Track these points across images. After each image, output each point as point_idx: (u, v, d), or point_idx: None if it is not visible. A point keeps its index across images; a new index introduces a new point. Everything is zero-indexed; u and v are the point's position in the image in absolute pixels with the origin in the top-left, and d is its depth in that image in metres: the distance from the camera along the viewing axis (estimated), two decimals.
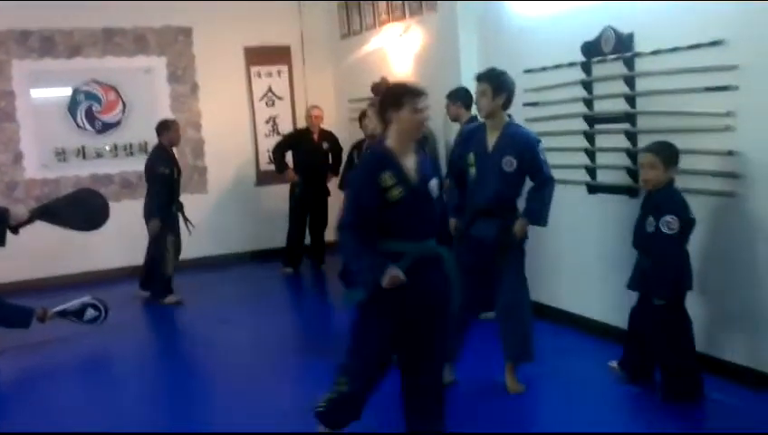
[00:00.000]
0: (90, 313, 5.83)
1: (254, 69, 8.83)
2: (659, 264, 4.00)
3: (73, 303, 5.86)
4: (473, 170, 4.28)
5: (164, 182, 6.90)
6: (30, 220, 2.92)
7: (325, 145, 8.05)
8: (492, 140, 4.25)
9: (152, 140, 8.29)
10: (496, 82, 4.19)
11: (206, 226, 8.05)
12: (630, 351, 4.33)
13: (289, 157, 8.12)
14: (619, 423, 3.96)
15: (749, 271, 4.09)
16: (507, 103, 4.27)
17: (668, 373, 4.07)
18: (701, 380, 4.07)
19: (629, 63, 4.72)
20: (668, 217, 3.90)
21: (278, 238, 8.26)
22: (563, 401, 4.29)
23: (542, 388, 4.45)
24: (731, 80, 4.05)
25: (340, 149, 8.05)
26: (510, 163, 4.19)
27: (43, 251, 7.50)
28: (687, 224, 3.96)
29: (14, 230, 2.91)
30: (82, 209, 3.11)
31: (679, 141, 4.31)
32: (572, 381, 4.51)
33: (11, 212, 2.91)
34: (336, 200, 7.67)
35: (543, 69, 5.42)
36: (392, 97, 3.25)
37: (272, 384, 4.77)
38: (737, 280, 4.16)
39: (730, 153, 4.09)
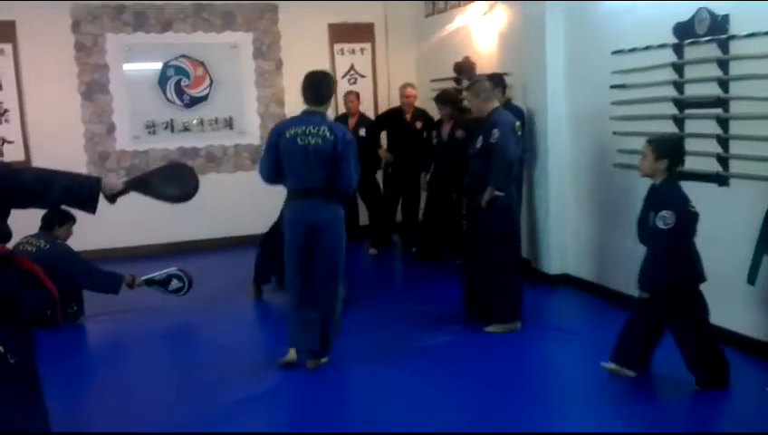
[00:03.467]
0: (174, 283, 6.04)
1: (337, 46, 8.89)
2: (651, 257, 4.07)
3: (160, 272, 6.08)
4: None
5: None
6: (125, 191, 3.04)
7: (418, 124, 7.84)
8: None
9: (237, 115, 8.57)
10: None
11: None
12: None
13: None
14: None
15: None
16: None
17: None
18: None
19: (724, 46, 4.54)
20: (664, 213, 3.92)
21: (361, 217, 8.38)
22: None
23: None
24: None
25: (434, 129, 7.93)
26: None
27: (131, 220, 7.78)
28: (686, 217, 3.92)
29: (112, 200, 3.04)
30: (174, 182, 3.21)
31: None
32: None
33: (105, 182, 3.02)
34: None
35: (632, 50, 5.27)
36: None
37: None
38: None
39: None
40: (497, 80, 6.09)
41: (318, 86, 4.58)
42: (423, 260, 7.43)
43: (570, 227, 6.20)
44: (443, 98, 7.13)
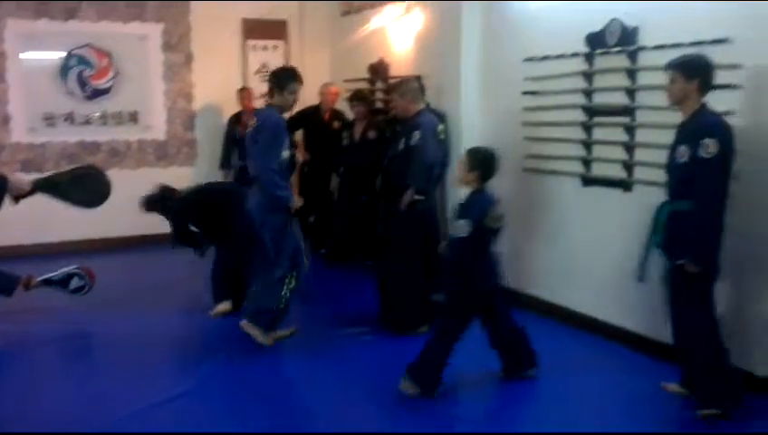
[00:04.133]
0: (74, 282, 5.75)
1: (250, 42, 8.72)
2: (449, 263, 4.34)
3: (59, 272, 5.77)
4: None
5: None
6: (32, 192, 2.84)
7: (335, 124, 7.70)
8: None
9: (143, 109, 8.27)
10: None
11: None
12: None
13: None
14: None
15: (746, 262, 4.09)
16: None
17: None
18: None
19: (633, 57, 4.68)
20: (462, 221, 4.10)
21: None
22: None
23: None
24: (734, 78, 4.02)
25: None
26: None
27: (28, 218, 7.37)
28: (480, 227, 4.06)
29: (15, 200, 2.83)
30: (85, 186, 3.05)
31: None
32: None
33: (11, 181, 2.81)
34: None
35: (545, 58, 5.37)
36: None
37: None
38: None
39: None
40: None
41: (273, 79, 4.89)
42: (331, 262, 7.35)
43: None
44: (358, 97, 7.07)
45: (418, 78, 6.31)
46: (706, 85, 3.81)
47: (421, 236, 5.20)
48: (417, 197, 5.11)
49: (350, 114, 7.52)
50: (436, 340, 4.14)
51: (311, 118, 7.77)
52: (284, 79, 4.81)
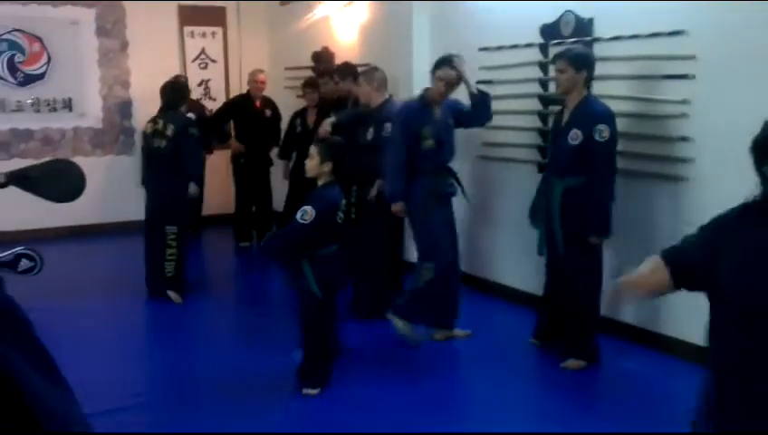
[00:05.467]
0: (24, 263, 5.51)
1: (187, 29, 8.56)
2: None
3: (6, 253, 5.54)
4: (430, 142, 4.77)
5: None
6: (5, 185, 2.72)
7: (267, 112, 7.58)
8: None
9: (77, 96, 8.01)
10: None
11: (132, 189, 7.74)
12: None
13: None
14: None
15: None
16: None
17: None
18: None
19: (588, 48, 4.85)
20: (306, 207, 3.96)
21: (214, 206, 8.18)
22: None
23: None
24: (689, 69, 4.25)
25: (280, 118, 7.71)
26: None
27: None
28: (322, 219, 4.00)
29: None
30: (59, 180, 2.94)
31: (635, 126, 4.53)
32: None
33: None
34: (278, 170, 7.55)
35: (500, 48, 5.51)
36: None
37: None
38: None
39: (684, 139, 4.31)
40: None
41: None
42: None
43: None
44: (310, 84, 7.00)
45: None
46: (591, 77, 4.32)
47: (390, 224, 5.26)
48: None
49: (290, 102, 7.45)
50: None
51: (241, 107, 7.57)
52: None
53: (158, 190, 5.83)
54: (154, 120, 5.87)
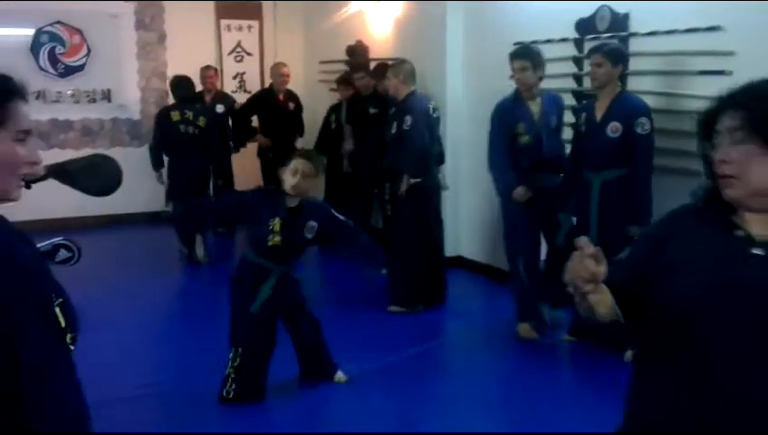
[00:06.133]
0: (62, 253, 5.65)
1: (224, 22, 8.67)
2: None
3: (45, 243, 5.68)
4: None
5: None
6: (44, 177, 2.79)
7: (291, 105, 7.64)
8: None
9: (116, 88, 8.16)
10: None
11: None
12: None
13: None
14: None
15: None
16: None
17: None
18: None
19: (624, 43, 4.83)
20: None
21: None
22: None
23: None
24: (726, 65, 4.21)
25: (302, 109, 7.78)
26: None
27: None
28: None
29: (28, 185, 2.77)
30: (97, 174, 3.02)
31: (669, 122, 4.49)
32: None
33: None
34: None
35: (534, 43, 5.49)
36: None
37: None
38: None
39: None
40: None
41: None
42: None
43: (464, 210, 6.39)
44: (346, 80, 7.05)
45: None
46: (625, 72, 4.45)
47: (424, 216, 5.31)
48: (413, 180, 5.21)
49: (324, 97, 7.46)
50: None
51: (264, 101, 7.61)
52: None
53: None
54: (180, 109, 6.61)
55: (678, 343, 1.54)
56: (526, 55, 4.67)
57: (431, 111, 5.36)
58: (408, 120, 5.18)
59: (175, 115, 6.60)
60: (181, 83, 6.81)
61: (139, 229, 7.98)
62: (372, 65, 7.01)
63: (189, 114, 6.61)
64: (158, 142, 6.84)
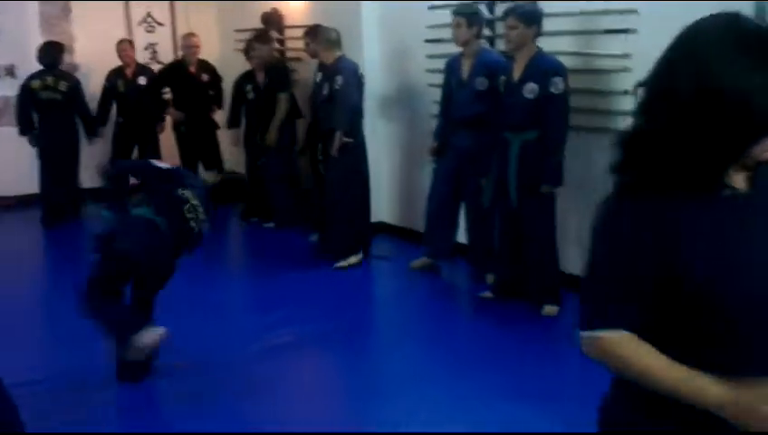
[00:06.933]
0: None
1: None
2: None
3: None
4: None
5: None
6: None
7: (204, 77, 7.43)
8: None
9: (21, 63, 7.81)
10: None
11: None
12: None
13: None
14: None
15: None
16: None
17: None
18: None
19: (535, 4, 4.91)
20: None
21: None
22: None
23: None
24: (630, 24, 4.35)
25: (221, 80, 7.62)
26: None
27: None
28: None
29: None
30: None
31: (579, 81, 4.62)
32: None
33: None
34: (224, 135, 7.47)
35: (448, 6, 5.53)
36: None
37: None
38: None
39: (625, 93, 4.41)
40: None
41: None
42: (247, 220, 7.27)
43: (384, 175, 6.41)
44: (254, 44, 6.87)
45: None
46: (539, 32, 4.42)
47: (358, 172, 5.55)
48: (345, 139, 5.35)
49: (238, 65, 7.29)
50: None
51: (176, 73, 7.38)
52: None
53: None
54: (40, 77, 6.93)
55: (717, 336, 1.38)
56: (460, 13, 4.86)
57: (359, 73, 5.49)
58: (340, 79, 5.35)
59: (35, 84, 6.88)
60: (47, 51, 7.03)
61: None
62: (288, 33, 6.94)
63: (50, 80, 6.89)
64: (21, 110, 7.05)
